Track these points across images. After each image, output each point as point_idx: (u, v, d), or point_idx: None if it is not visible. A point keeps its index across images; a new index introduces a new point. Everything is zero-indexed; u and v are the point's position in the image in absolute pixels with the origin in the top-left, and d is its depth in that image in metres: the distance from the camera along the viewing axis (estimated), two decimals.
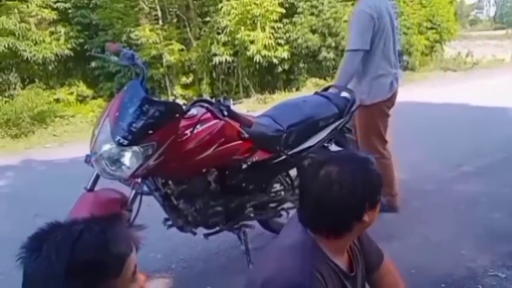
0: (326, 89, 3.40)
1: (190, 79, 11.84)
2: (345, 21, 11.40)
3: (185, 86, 11.89)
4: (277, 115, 2.93)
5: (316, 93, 3.35)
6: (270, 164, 2.74)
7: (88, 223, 0.96)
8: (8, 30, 9.92)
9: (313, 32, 11.54)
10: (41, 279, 0.90)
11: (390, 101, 3.49)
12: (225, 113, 2.31)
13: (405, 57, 12.06)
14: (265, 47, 10.94)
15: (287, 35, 11.59)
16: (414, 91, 8.95)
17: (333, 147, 3.25)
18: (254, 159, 2.65)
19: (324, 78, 11.38)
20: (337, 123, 3.05)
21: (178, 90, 11.55)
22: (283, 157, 2.78)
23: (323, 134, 2.97)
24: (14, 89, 10.21)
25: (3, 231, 3.60)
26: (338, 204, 1.30)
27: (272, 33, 11.28)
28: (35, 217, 3.63)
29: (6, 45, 9.74)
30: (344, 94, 3.25)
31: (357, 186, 1.29)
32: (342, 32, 11.05)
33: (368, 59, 3.34)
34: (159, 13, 11.71)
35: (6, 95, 9.70)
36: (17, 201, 4.32)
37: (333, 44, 11.42)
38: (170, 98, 10.02)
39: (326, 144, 3.13)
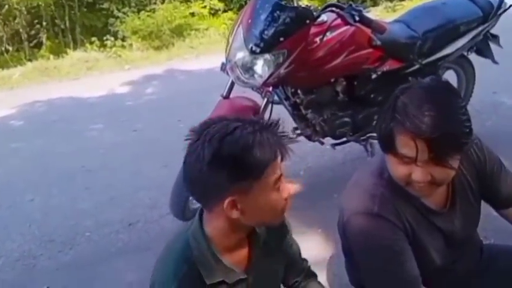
0: None
1: None
2: None
3: None
4: (411, 20, 2.60)
5: None
6: (401, 74, 2.47)
7: (244, 123, 0.96)
8: None
9: None
10: (192, 161, 0.95)
11: None
12: (357, 18, 2.09)
13: None
14: None
15: None
16: None
17: (473, 57, 2.81)
18: (385, 69, 2.41)
19: None
20: (480, 29, 2.64)
21: None
22: (417, 66, 2.49)
23: (463, 41, 2.59)
24: (155, 3, 10.58)
25: (152, 135, 3.78)
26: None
27: None
28: (178, 122, 3.74)
29: None
30: None
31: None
32: None
33: None
34: None
35: (148, 9, 10.07)
36: (162, 107, 4.51)
37: None
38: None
39: (465, 53, 2.74)
